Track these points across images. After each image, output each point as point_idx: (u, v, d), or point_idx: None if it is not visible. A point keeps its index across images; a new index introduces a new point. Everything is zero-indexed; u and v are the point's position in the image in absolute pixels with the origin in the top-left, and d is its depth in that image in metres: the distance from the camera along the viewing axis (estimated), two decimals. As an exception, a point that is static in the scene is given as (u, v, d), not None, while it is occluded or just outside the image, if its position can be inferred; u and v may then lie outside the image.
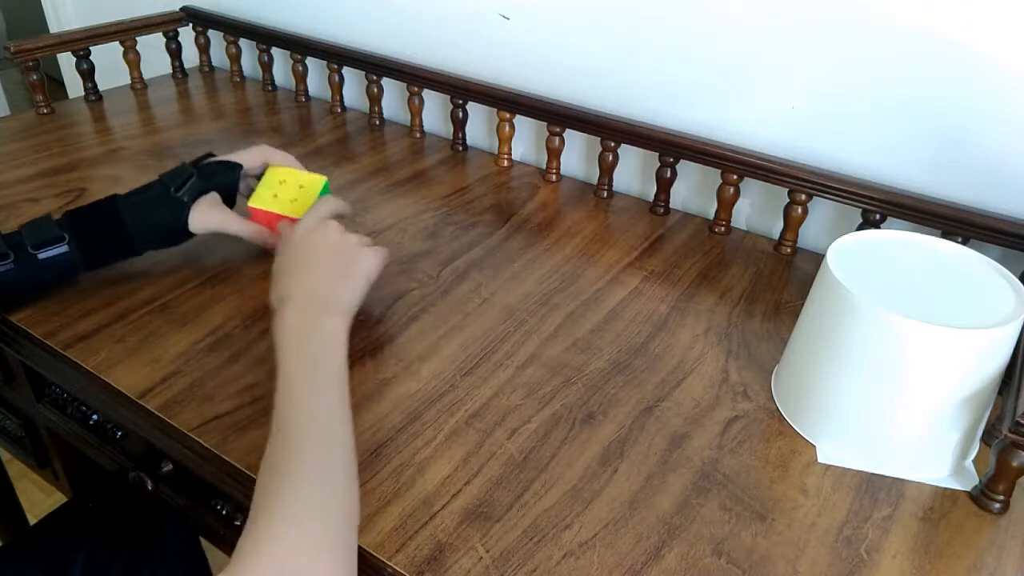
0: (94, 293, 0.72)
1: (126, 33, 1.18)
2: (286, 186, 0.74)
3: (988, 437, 0.58)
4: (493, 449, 0.57)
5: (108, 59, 1.23)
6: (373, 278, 0.64)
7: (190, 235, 0.72)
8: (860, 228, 0.79)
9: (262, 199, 0.73)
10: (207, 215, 0.71)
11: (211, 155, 0.74)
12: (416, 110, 1.09)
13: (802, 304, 0.62)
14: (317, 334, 0.56)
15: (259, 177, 0.76)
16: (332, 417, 0.51)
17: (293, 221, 0.71)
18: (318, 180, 0.75)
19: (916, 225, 0.76)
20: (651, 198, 0.94)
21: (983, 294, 0.55)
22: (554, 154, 0.98)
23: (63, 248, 0.66)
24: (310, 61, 1.18)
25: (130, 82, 1.22)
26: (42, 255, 0.65)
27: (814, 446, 0.59)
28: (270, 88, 1.25)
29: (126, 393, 0.61)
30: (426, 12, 1.05)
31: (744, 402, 0.63)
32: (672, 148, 0.88)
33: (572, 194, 0.97)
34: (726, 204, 0.87)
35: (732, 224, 0.89)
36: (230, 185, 0.73)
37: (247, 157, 0.74)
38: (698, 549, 0.50)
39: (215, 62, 1.33)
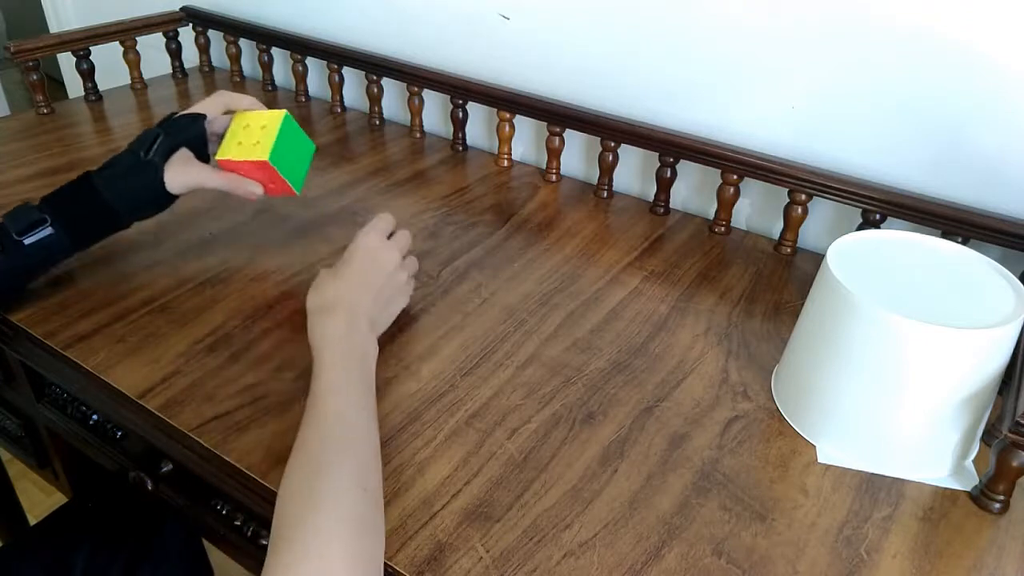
0: (94, 293, 0.72)
1: (126, 33, 1.18)
2: (249, 130, 0.71)
3: (988, 437, 0.58)
4: (493, 449, 0.57)
5: (108, 59, 1.23)
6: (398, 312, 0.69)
7: (172, 197, 0.70)
8: (860, 228, 0.79)
9: (228, 149, 0.71)
10: (182, 173, 0.69)
11: (173, 114, 0.72)
12: (416, 110, 1.09)
13: (802, 304, 0.62)
14: (361, 350, 0.59)
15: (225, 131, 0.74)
16: (370, 433, 0.53)
17: (261, 164, 0.69)
18: (278, 116, 0.71)
19: (916, 225, 0.76)
20: (651, 198, 0.94)
21: (983, 294, 0.55)
22: (554, 154, 0.98)
23: (48, 230, 0.65)
24: (310, 61, 1.18)
25: (130, 82, 1.22)
26: (28, 240, 0.65)
27: (814, 446, 0.59)
28: (270, 88, 1.25)
29: (126, 393, 0.61)
30: (426, 12, 1.05)
31: (744, 402, 0.63)
32: (672, 148, 0.88)
33: (572, 194, 0.97)
34: (726, 204, 0.87)
35: (732, 224, 0.89)
36: (198, 136, 0.71)
37: (207, 105, 0.72)
38: (698, 549, 0.50)
39: (215, 62, 1.33)
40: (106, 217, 0.69)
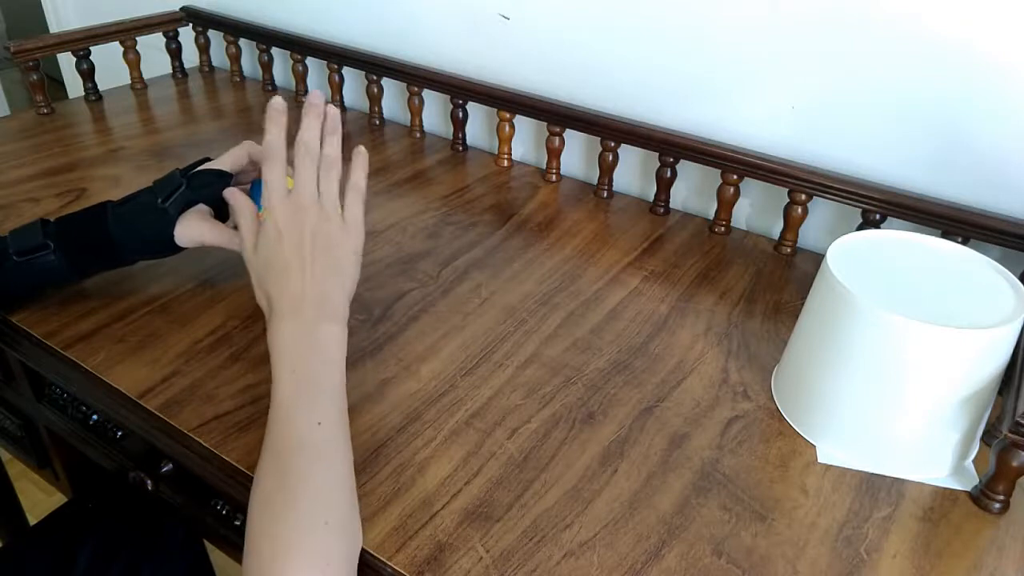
0: (94, 293, 0.72)
1: (126, 33, 1.18)
2: None
3: (988, 437, 0.58)
4: (493, 449, 0.57)
5: (108, 59, 1.23)
6: (361, 255, 0.60)
7: (178, 248, 0.68)
8: (860, 228, 0.79)
9: None
10: (193, 229, 0.66)
11: (207, 159, 0.70)
12: (416, 110, 1.09)
13: (802, 304, 0.62)
14: (317, 351, 0.54)
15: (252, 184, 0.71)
16: (335, 448, 0.50)
17: None
18: None
19: (916, 225, 0.76)
20: (651, 198, 0.94)
21: (983, 294, 0.55)
22: (554, 154, 0.98)
23: (48, 258, 0.64)
24: (310, 61, 1.18)
25: (130, 82, 1.22)
26: (26, 264, 0.64)
27: (814, 446, 0.59)
28: (270, 88, 1.25)
29: (126, 393, 0.61)
30: (426, 12, 1.06)
31: (744, 402, 0.63)
32: (672, 148, 0.88)
33: (572, 194, 0.97)
34: (726, 204, 0.87)
35: (732, 224, 0.89)
36: (220, 198, 0.68)
37: (234, 159, 0.69)
38: (698, 549, 0.50)
39: (215, 62, 1.33)
40: (110, 253, 0.67)
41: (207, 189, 0.67)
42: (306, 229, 0.57)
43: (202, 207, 0.68)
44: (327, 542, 0.45)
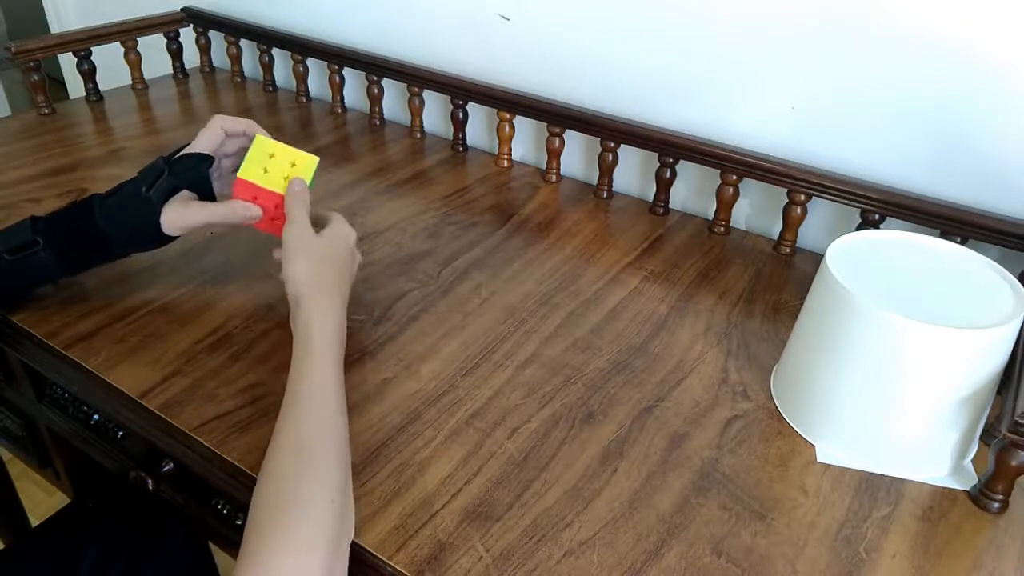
0: (95, 293, 0.72)
1: (127, 34, 1.18)
2: (276, 161, 0.68)
3: (987, 437, 0.58)
4: (493, 449, 0.57)
5: (109, 59, 1.23)
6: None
7: (168, 237, 0.67)
8: (859, 228, 0.79)
9: (252, 173, 0.67)
10: (180, 216, 0.66)
11: (184, 146, 0.69)
12: (416, 110, 1.09)
13: (801, 304, 0.62)
14: (343, 342, 0.60)
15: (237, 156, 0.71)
16: (342, 432, 0.54)
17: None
18: (310, 161, 0.69)
19: (915, 225, 0.76)
20: (651, 198, 0.94)
21: (982, 294, 0.55)
22: (554, 154, 0.98)
23: (39, 255, 0.64)
24: (311, 61, 1.18)
25: (131, 82, 1.23)
26: (16, 261, 0.64)
27: (813, 446, 0.59)
28: (271, 89, 1.25)
29: (127, 393, 0.61)
30: (426, 12, 1.06)
31: (744, 402, 0.63)
32: (672, 148, 0.88)
33: (572, 194, 0.97)
34: (726, 204, 0.87)
35: (732, 224, 0.89)
36: (202, 180, 0.68)
37: (211, 136, 0.68)
38: (698, 548, 0.50)
39: (216, 63, 1.33)
40: (100, 246, 0.67)
41: (188, 173, 0.67)
42: (348, 243, 0.67)
43: (185, 193, 0.67)
44: (332, 518, 0.47)
